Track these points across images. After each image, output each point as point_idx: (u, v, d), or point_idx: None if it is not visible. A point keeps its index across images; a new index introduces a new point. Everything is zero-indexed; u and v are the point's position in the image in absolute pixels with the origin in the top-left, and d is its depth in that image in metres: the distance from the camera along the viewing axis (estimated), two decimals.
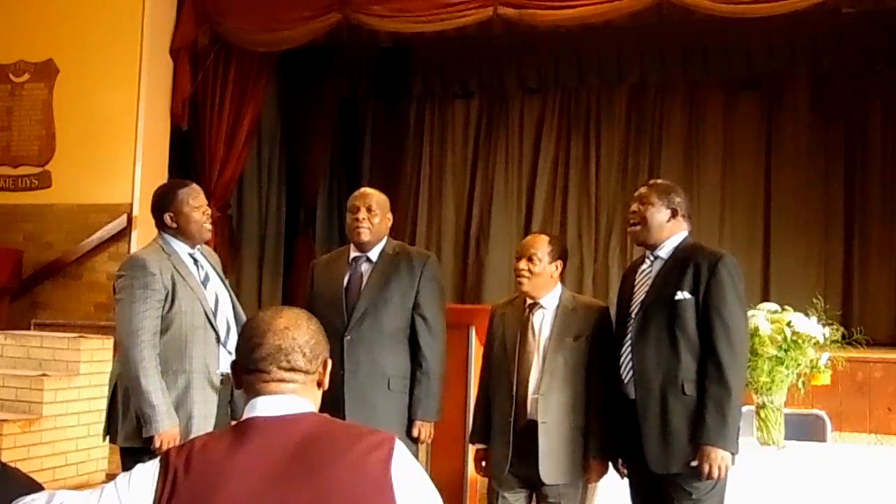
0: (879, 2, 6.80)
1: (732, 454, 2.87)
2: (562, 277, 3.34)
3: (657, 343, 2.96)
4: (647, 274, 3.10)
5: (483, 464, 3.35)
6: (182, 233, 3.23)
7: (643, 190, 3.15)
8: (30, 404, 4.92)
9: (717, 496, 2.95)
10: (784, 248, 7.91)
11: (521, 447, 3.17)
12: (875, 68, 7.60)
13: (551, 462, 3.14)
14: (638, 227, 3.09)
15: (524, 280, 3.24)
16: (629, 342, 3.03)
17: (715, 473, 2.83)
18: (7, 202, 6.97)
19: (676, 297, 2.94)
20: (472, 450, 3.56)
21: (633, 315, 3.05)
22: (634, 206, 3.11)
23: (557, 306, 3.28)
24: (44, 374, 5.06)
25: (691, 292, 2.94)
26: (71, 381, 5.09)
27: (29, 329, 6.31)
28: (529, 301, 3.30)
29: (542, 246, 3.26)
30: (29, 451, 4.76)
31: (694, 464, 2.86)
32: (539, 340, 3.23)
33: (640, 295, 3.08)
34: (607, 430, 3.15)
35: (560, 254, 3.30)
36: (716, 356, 2.88)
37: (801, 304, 3.77)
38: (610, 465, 3.21)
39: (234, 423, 1.80)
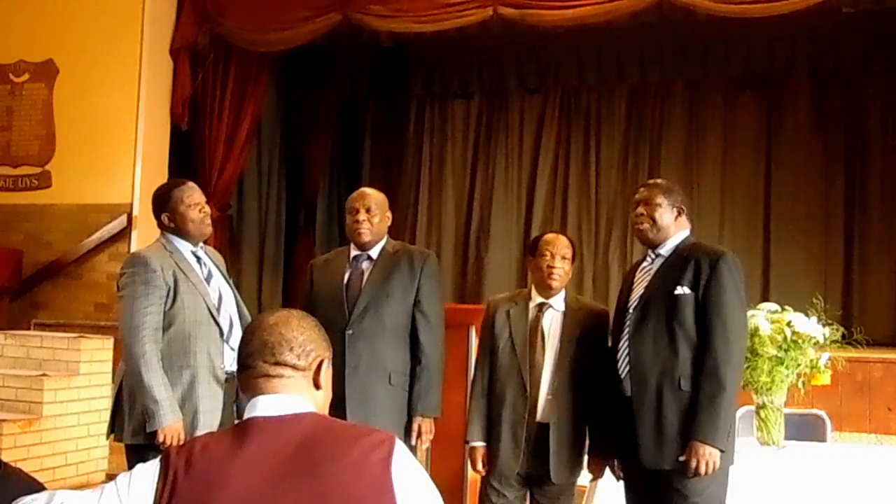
0: (879, 2, 6.81)
1: (721, 452, 2.83)
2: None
3: (655, 337, 2.95)
4: (646, 271, 3.10)
5: (481, 463, 3.32)
6: (180, 232, 3.25)
7: (646, 192, 3.12)
8: (30, 404, 4.91)
9: (715, 498, 2.93)
10: (784, 248, 7.91)
11: (532, 447, 3.20)
12: (875, 69, 7.60)
13: (561, 462, 3.19)
14: (646, 228, 3.07)
15: (558, 280, 3.29)
16: (626, 336, 3.02)
17: (702, 470, 2.81)
18: (7, 202, 6.98)
19: (676, 292, 2.93)
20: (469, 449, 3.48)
21: (630, 310, 3.05)
22: (641, 209, 3.08)
23: (565, 308, 3.31)
24: (44, 374, 5.05)
25: (691, 288, 2.93)
26: (71, 381, 5.09)
27: (29, 329, 6.31)
28: (539, 300, 3.33)
29: (569, 247, 3.36)
30: (29, 451, 4.76)
31: (682, 458, 2.84)
32: (549, 342, 3.27)
33: (638, 290, 3.07)
34: (607, 429, 3.19)
35: (575, 256, 3.41)
36: (712, 352, 2.86)
37: (801, 304, 3.77)
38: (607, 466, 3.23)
39: (236, 422, 1.80)
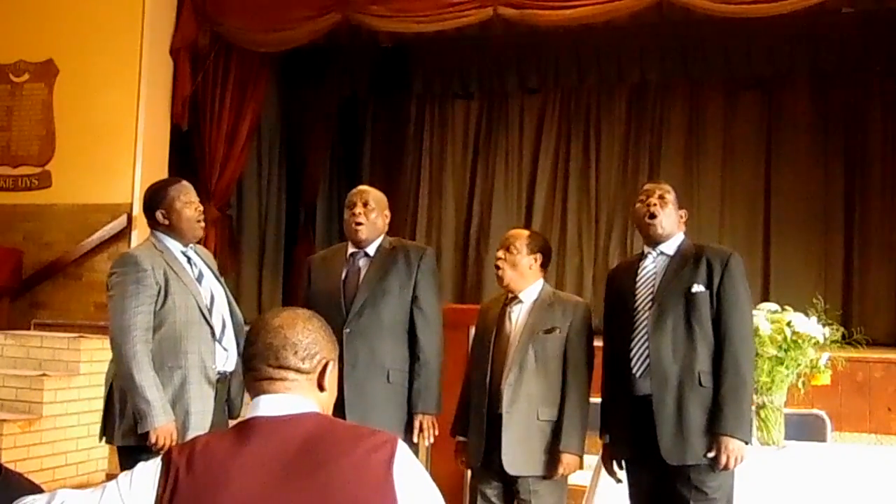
0: (879, 2, 6.81)
1: (747, 444, 2.93)
2: (546, 275, 3.39)
3: (674, 335, 2.99)
4: (650, 270, 3.13)
5: (462, 457, 3.39)
6: (174, 230, 3.21)
7: (657, 186, 3.19)
8: (30, 404, 4.92)
9: (727, 494, 2.98)
10: (784, 247, 7.90)
11: (492, 438, 3.21)
12: (875, 68, 7.60)
13: (514, 453, 3.17)
14: (658, 219, 3.12)
15: (502, 270, 3.29)
16: (644, 335, 3.03)
17: (732, 464, 2.88)
18: (7, 202, 6.97)
19: (693, 290, 3.00)
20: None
21: (640, 309, 3.07)
22: (654, 200, 3.14)
23: (535, 300, 3.30)
24: (44, 374, 5.06)
25: (706, 286, 3.00)
26: (71, 381, 5.09)
27: (29, 329, 6.32)
28: (510, 295, 3.34)
29: (520, 238, 3.34)
30: (29, 451, 4.76)
31: (711, 455, 2.89)
32: (513, 333, 3.27)
33: (647, 288, 3.10)
34: (581, 425, 3.18)
35: (539, 247, 3.35)
36: (732, 348, 2.94)
37: (801, 304, 3.77)
38: (602, 467, 3.23)
39: (234, 422, 1.80)
